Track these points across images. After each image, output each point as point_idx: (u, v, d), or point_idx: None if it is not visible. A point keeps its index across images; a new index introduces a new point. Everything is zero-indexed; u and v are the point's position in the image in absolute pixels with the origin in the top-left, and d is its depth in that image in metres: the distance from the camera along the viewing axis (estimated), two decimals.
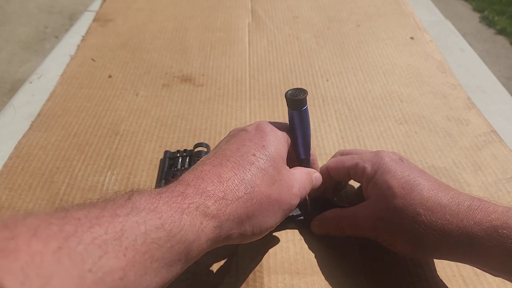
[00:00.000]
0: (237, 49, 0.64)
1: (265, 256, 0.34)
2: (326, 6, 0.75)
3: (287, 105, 0.32)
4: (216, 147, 0.31)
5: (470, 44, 0.69)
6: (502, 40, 2.35)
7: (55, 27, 2.34)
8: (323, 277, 0.33)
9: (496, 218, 0.27)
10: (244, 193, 0.26)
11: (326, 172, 0.36)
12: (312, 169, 0.34)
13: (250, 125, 0.32)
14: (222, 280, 0.33)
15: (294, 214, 0.37)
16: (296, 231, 0.37)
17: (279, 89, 0.56)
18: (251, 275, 0.33)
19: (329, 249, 0.36)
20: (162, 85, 0.56)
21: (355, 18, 0.72)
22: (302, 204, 0.38)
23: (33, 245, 0.16)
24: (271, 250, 0.35)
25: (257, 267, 0.34)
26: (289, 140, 0.32)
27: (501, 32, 2.40)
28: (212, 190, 0.25)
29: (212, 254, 0.35)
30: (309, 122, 0.33)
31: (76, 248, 0.17)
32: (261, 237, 0.28)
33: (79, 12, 2.36)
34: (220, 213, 0.24)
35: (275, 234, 0.36)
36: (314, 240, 0.36)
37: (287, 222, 0.37)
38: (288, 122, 0.33)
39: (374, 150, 0.45)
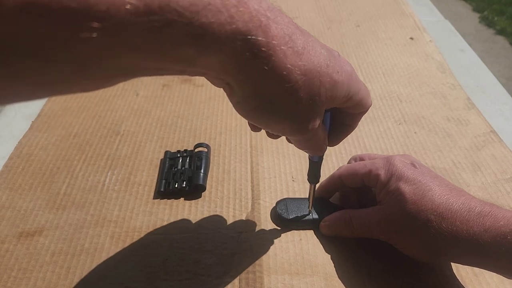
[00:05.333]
0: None
1: (265, 257, 0.34)
2: (326, 7, 0.75)
3: None
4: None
5: (470, 44, 0.69)
6: (501, 40, 2.35)
7: None
8: (323, 277, 0.33)
9: (505, 225, 0.28)
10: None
11: (339, 180, 0.37)
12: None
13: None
14: (222, 280, 0.33)
15: (299, 214, 0.37)
16: (296, 232, 0.37)
17: None
18: (251, 275, 0.33)
19: (329, 249, 0.36)
20: (162, 85, 0.56)
21: (355, 18, 0.72)
22: (305, 204, 0.38)
23: None
24: (271, 251, 0.35)
25: (257, 267, 0.34)
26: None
27: (500, 32, 2.41)
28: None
29: (212, 254, 0.35)
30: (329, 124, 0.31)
31: None
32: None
33: None
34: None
35: (275, 234, 0.37)
36: (314, 240, 0.36)
37: (292, 222, 0.37)
38: None
39: (374, 151, 0.46)
